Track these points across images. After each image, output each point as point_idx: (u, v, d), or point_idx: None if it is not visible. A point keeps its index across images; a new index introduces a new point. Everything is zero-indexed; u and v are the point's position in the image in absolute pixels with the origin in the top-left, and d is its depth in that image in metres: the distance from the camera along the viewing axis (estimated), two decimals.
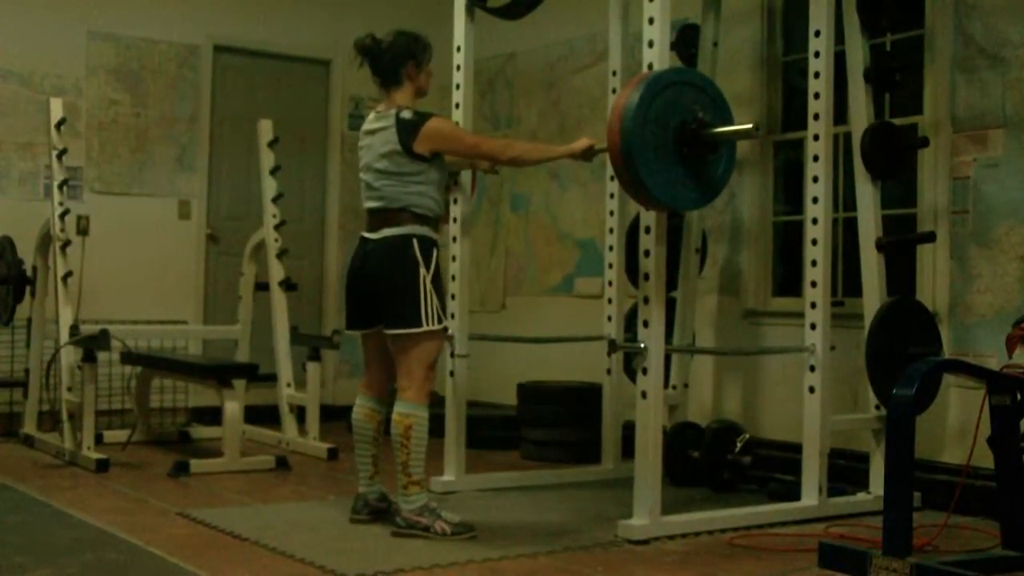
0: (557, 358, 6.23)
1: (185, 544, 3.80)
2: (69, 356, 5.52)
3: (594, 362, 5.51)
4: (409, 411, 3.99)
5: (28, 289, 6.08)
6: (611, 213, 5.40)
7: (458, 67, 4.94)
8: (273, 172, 6.40)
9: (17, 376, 6.35)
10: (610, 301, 5.40)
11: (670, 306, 4.89)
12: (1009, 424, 3.54)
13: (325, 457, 5.77)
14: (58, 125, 5.85)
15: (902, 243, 4.84)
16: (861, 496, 4.67)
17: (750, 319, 5.71)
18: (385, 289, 4.04)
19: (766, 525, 4.31)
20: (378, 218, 4.11)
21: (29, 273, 6.07)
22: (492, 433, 6.22)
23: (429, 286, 4.02)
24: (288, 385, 6.19)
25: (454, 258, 4.88)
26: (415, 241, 4.04)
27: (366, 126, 4.20)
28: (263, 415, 6.47)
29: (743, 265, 5.78)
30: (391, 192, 4.07)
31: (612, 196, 5.37)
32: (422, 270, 4.02)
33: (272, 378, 6.24)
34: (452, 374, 4.91)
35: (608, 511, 4.43)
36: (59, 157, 5.83)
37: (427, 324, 4.01)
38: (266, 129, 6.44)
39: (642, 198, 3.94)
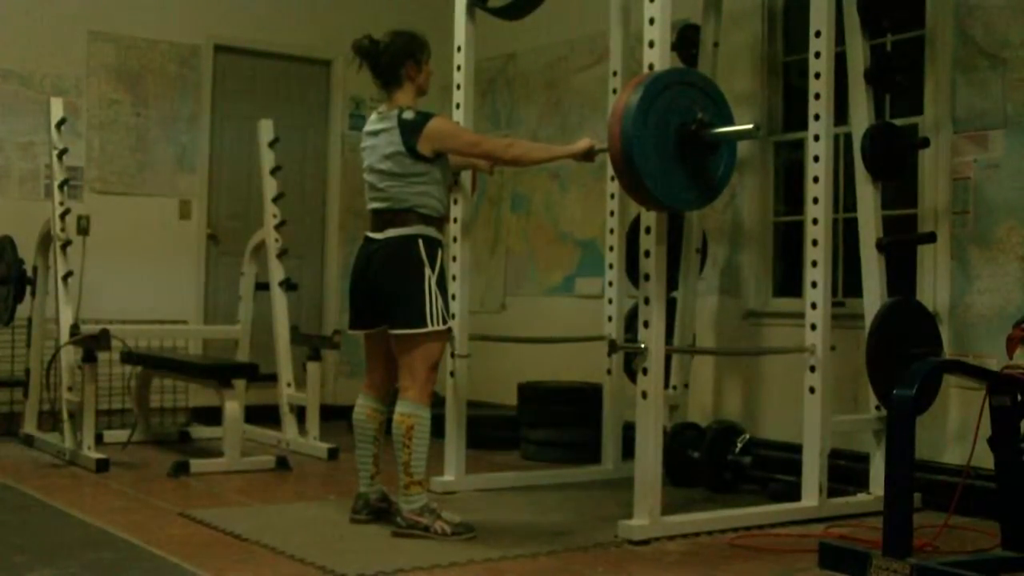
0: (557, 358, 6.23)
1: (185, 544, 3.80)
2: (69, 356, 5.51)
3: (594, 362, 5.51)
4: (411, 411, 3.99)
5: (28, 289, 6.08)
6: (611, 213, 5.40)
7: (458, 67, 4.95)
8: (273, 172, 6.40)
9: (17, 376, 6.35)
10: (610, 301, 5.41)
11: (670, 306, 4.88)
12: (1009, 425, 3.55)
13: (325, 457, 5.77)
14: (58, 125, 5.85)
15: (902, 243, 4.84)
16: (861, 496, 4.67)
17: (750, 319, 5.71)
18: (390, 290, 4.04)
19: (766, 525, 4.31)
20: (383, 219, 4.11)
21: (29, 273, 6.06)
22: (492, 433, 6.22)
23: (434, 287, 4.03)
24: (288, 385, 6.19)
25: (455, 258, 4.88)
26: (420, 242, 4.04)
27: (368, 127, 4.21)
28: (263, 415, 6.47)
29: (743, 265, 5.78)
30: (396, 193, 4.08)
31: (612, 196, 5.37)
32: (427, 271, 4.02)
33: (272, 378, 6.24)
34: (452, 374, 4.91)
35: (608, 511, 4.42)
36: (59, 157, 5.82)
37: (432, 324, 4.01)
38: (266, 129, 6.44)
39: (642, 198, 3.94)
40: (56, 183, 5.80)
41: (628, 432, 4.54)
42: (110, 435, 6.00)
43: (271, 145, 6.42)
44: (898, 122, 4.94)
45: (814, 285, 4.52)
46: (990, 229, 4.72)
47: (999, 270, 4.68)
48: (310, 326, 7.23)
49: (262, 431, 6.31)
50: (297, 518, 4.31)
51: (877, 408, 4.67)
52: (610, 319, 5.40)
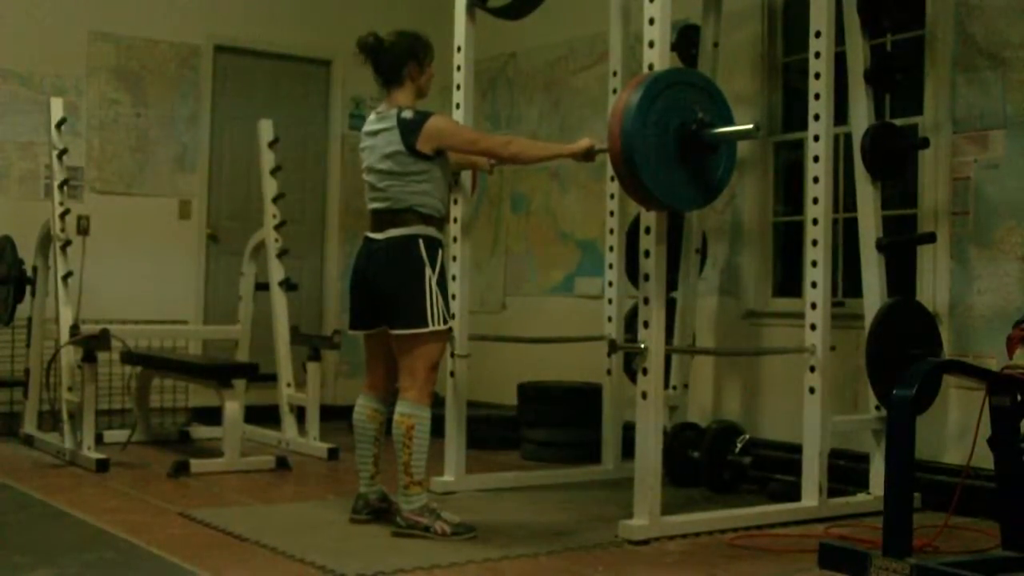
0: (557, 358, 6.22)
1: (185, 544, 3.80)
2: (69, 356, 5.51)
3: (594, 362, 5.51)
4: (411, 411, 3.99)
5: (28, 289, 6.08)
6: (611, 213, 5.40)
7: (458, 67, 4.94)
8: (273, 172, 6.39)
9: (17, 376, 6.35)
10: (610, 301, 5.41)
11: (670, 306, 4.89)
12: (1009, 425, 3.54)
13: (325, 457, 5.77)
14: (58, 125, 5.85)
15: (902, 244, 4.84)
16: (861, 496, 4.67)
17: (750, 319, 5.71)
18: (390, 290, 4.04)
19: (766, 526, 4.31)
20: (383, 219, 4.11)
21: (29, 273, 6.06)
22: (492, 433, 6.22)
23: (435, 287, 4.02)
24: (288, 385, 6.19)
25: (455, 258, 4.88)
26: (421, 242, 4.04)
27: (367, 127, 4.20)
28: (263, 415, 6.47)
29: (743, 265, 5.78)
30: (395, 193, 4.07)
31: (612, 196, 5.37)
32: (428, 271, 4.02)
33: (272, 378, 6.24)
34: (452, 374, 4.91)
35: (608, 511, 4.43)
36: (59, 157, 5.82)
37: (433, 324, 4.01)
38: (266, 129, 6.44)
39: (642, 199, 3.94)
40: (56, 183, 5.79)
41: (628, 432, 4.54)
42: (110, 435, 6.00)
43: (271, 145, 6.42)
44: (898, 122, 4.94)
45: (814, 285, 4.52)
46: (990, 229, 4.72)
47: (999, 270, 4.68)
48: (310, 326, 7.22)
49: (262, 431, 6.31)
50: (297, 518, 4.31)
51: (877, 408, 4.67)
52: (610, 319, 5.40)
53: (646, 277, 4.05)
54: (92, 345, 5.34)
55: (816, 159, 4.55)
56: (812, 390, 4.50)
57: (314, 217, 7.68)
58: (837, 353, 4.67)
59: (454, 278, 4.86)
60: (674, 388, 5.50)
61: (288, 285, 6.31)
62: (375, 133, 4.14)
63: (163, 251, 6.99)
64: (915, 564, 3.16)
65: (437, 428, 4.27)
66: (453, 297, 4.82)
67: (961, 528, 4.19)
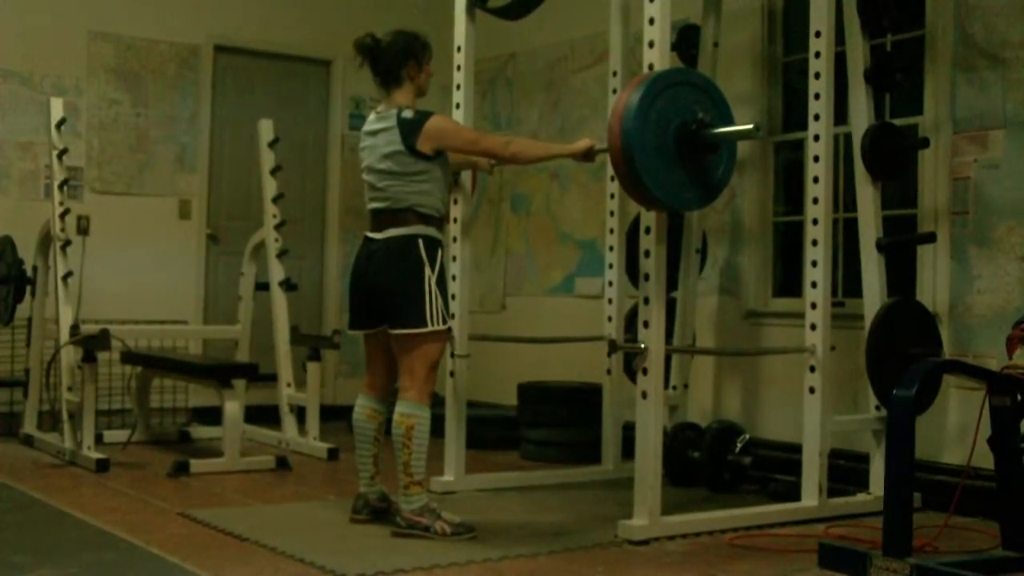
0: (557, 358, 6.23)
1: (185, 544, 3.80)
2: (69, 356, 5.52)
3: (594, 362, 5.51)
4: (411, 411, 3.99)
5: (28, 289, 6.08)
6: (611, 213, 5.40)
7: (458, 67, 4.94)
8: (273, 172, 6.40)
9: (17, 376, 6.35)
10: (610, 301, 5.41)
11: (670, 306, 4.89)
12: (1009, 425, 3.55)
13: (325, 457, 5.77)
14: (58, 125, 5.85)
15: (902, 244, 4.84)
16: (861, 496, 4.67)
17: (750, 319, 5.71)
18: (390, 290, 4.04)
19: (766, 526, 4.31)
20: (382, 218, 4.11)
21: (29, 273, 6.07)
22: (492, 433, 6.22)
23: (434, 287, 4.02)
24: (288, 385, 6.19)
25: (455, 258, 4.88)
26: (420, 241, 4.04)
27: (367, 127, 4.21)
28: (263, 415, 6.47)
29: (743, 265, 5.78)
30: (395, 192, 4.07)
31: (612, 196, 5.37)
32: (427, 270, 4.02)
33: (272, 378, 6.24)
34: (452, 374, 4.91)
35: (608, 511, 4.43)
36: (59, 157, 5.82)
37: (432, 324, 4.01)
38: (266, 129, 6.44)
39: (642, 198, 3.94)
40: (56, 183, 5.80)
41: (628, 432, 4.54)
42: (110, 435, 6.00)
43: (271, 145, 6.42)
44: (898, 122, 4.94)
45: (814, 285, 4.52)
46: (990, 229, 4.72)
47: (999, 270, 4.68)
48: (310, 326, 7.23)
49: (262, 431, 6.31)
50: (297, 518, 4.31)
51: (877, 408, 4.67)
52: (610, 319, 5.40)
53: (646, 277, 4.05)
54: (92, 345, 5.34)
55: (816, 159, 4.55)
56: (812, 390, 4.50)
57: (314, 217, 7.68)
58: (837, 353, 4.67)
59: (454, 278, 4.86)
60: (674, 388, 5.50)
61: (288, 285, 6.31)
62: (375, 133, 4.14)
63: (163, 251, 6.99)
64: (915, 564, 3.16)
65: (437, 428, 4.27)
66: (453, 297, 4.82)
67: (961, 528, 4.19)
